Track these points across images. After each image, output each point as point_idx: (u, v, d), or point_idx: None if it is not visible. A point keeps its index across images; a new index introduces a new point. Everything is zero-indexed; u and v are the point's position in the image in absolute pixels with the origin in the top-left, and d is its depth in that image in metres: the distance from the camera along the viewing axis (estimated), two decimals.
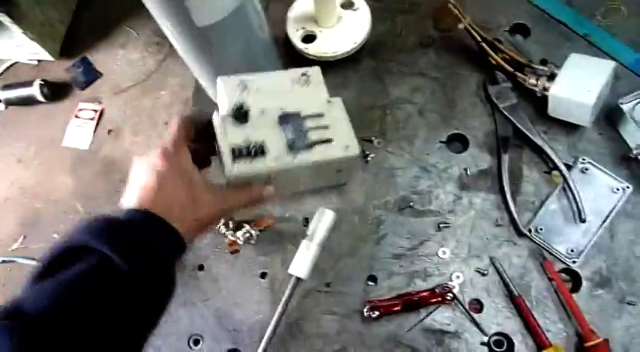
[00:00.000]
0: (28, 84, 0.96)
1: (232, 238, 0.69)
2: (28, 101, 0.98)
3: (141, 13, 1.03)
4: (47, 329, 0.35)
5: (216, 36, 0.61)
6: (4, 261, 0.84)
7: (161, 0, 0.55)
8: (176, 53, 1.04)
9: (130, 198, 0.45)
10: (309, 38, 0.77)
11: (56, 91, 1.00)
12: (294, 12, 0.79)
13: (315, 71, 0.57)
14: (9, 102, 0.99)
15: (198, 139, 0.53)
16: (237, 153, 0.50)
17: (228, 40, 0.63)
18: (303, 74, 0.56)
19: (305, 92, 0.56)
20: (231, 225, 0.70)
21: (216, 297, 0.69)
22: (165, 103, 0.97)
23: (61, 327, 0.36)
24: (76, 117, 0.97)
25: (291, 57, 0.79)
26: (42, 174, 0.93)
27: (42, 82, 0.96)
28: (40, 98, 0.97)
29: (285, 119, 0.53)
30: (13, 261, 0.83)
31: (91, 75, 1.01)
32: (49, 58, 1.01)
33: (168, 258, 0.44)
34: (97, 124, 0.97)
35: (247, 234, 0.69)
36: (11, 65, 1.05)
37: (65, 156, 0.93)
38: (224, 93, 0.53)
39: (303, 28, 0.77)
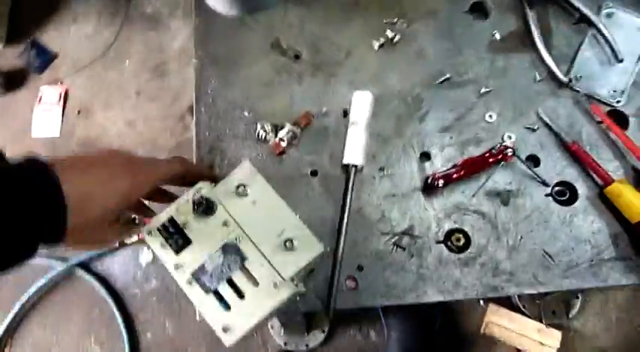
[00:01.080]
0: None
1: (275, 140, 0.66)
2: None
3: None
4: None
5: None
6: None
7: None
8: (134, 20, 0.97)
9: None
10: None
11: (12, 80, 0.92)
12: None
13: (316, 249, 0.52)
14: None
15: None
16: (165, 230, 0.50)
17: None
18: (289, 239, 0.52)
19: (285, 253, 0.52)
20: (268, 128, 0.66)
21: None
22: (132, 72, 0.91)
23: None
24: (41, 102, 0.90)
25: None
26: None
27: None
28: None
29: (230, 249, 0.50)
30: None
31: (46, 56, 0.93)
32: None
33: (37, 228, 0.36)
34: (64, 106, 0.90)
35: (290, 134, 0.66)
36: None
37: (39, 146, 0.87)
38: (233, 174, 0.53)
39: None
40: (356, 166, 0.64)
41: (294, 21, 0.73)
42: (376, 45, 0.70)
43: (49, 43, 0.99)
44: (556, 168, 0.65)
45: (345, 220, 0.62)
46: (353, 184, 0.63)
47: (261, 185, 0.54)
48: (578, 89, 0.67)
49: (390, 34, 0.70)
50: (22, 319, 0.89)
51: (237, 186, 0.52)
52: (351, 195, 0.63)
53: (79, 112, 0.92)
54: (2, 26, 0.94)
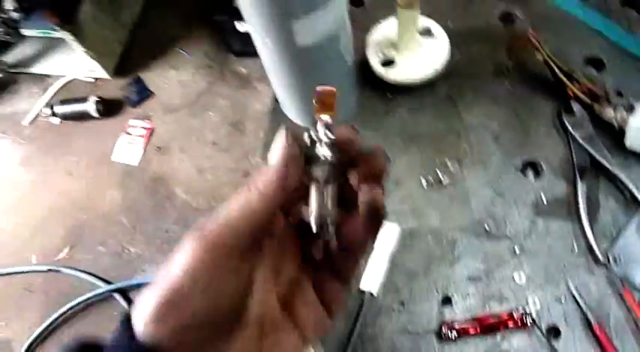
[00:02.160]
0: (84, 100, 1.00)
1: None
2: (82, 116, 1.01)
3: (193, 36, 1.08)
4: None
5: (312, 55, 0.64)
6: (50, 270, 0.86)
7: (268, 19, 0.58)
8: (226, 76, 1.06)
9: (140, 314, 0.26)
10: (387, 63, 0.79)
11: (109, 108, 1.04)
12: (373, 36, 0.82)
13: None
14: (64, 117, 1.03)
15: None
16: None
17: (321, 60, 0.66)
18: None
19: None
20: None
21: None
22: (214, 124, 1.00)
23: None
24: (127, 133, 1.00)
25: (367, 81, 0.82)
26: (91, 187, 0.96)
27: (97, 99, 1.00)
28: (94, 114, 1.00)
29: None
30: (58, 271, 0.86)
31: (143, 94, 1.04)
32: (105, 75, 1.05)
33: None
34: (148, 141, 1.00)
35: None
36: (69, 81, 1.09)
37: (115, 170, 0.96)
38: None
39: (382, 53, 0.80)
40: (372, 294, 0.67)
41: None
42: (424, 181, 0.74)
43: (149, 83, 1.11)
44: (576, 345, 0.64)
45: (351, 346, 0.65)
46: (364, 312, 0.66)
47: None
48: (614, 271, 0.67)
49: (439, 174, 0.74)
50: (50, 334, 0.95)
51: None
52: (361, 323, 0.66)
53: (158, 149, 1.02)
54: (114, 60, 1.07)
